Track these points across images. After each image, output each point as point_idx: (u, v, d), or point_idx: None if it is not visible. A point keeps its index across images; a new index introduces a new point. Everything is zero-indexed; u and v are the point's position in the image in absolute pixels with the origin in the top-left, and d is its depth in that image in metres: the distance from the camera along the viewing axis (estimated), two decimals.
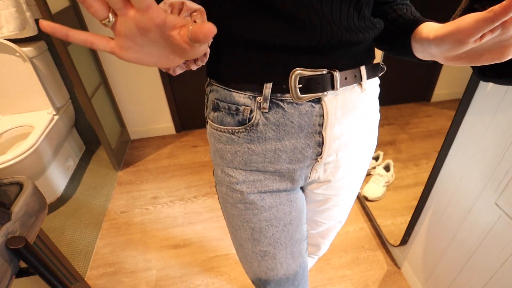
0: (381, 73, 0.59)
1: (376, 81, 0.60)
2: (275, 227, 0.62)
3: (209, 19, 0.42)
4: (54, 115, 1.87)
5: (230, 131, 0.55)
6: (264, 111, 0.52)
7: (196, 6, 0.40)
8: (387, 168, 1.81)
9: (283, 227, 0.63)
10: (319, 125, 0.53)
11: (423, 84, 2.33)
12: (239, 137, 0.55)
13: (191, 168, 2.08)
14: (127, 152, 2.27)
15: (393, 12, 0.54)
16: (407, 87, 2.36)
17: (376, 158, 1.92)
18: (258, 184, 0.58)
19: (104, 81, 2.04)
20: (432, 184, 1.06)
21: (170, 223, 1.71)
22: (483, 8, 0.36)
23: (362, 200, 1.72)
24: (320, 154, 0.57)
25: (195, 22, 0.39)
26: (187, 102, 2.29)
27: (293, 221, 0.64)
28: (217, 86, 0.55)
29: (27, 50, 1.72)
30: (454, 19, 0.42)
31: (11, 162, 1.52)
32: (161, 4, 0.40)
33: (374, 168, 1.83)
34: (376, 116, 0.64)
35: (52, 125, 1.81)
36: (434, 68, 2.24)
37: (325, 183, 0.65)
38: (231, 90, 0.52)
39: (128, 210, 1.80)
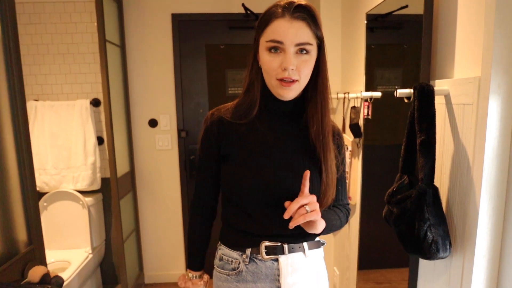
0: (322, 246, 0.96)
1: (319, 250, 0.95)
2: None
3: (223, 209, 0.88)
4: (89, 253, 2.22)
5: (227, 273, 0.90)
6: (246, 263, 0.88)
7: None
8: None
9: None
10: (277, 275, 0.87)
11: None
12: (232, 278, 0.89)
13: None
14: None
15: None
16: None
17: None
18: None
19: (136, 228, 2.47)
20: None
21: None
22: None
23: None
24: None
25: None
26: None
27: None
28: (223, 246, 0.94)
29: (88, 200, 2.24)
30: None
31: None
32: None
33: None
34: (321, 272, 0.95)
35: (85, 263, 2.14)
36: None
37: None
38: (230, 249, 0.91)
39: None
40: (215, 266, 0.96)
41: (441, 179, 0.97)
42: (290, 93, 0.81)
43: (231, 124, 0.88)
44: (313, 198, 0.78)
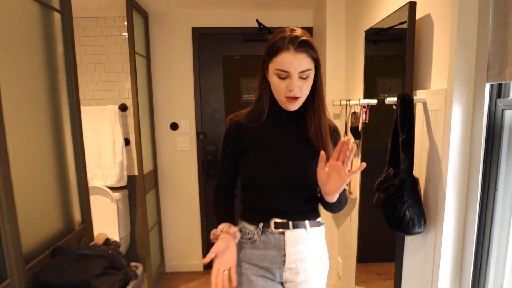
0: (322, 226, 1.15)
1: (319, 229, 1.12)
2: None
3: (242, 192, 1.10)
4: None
5: (244, 242, 1.10)
6: (259, 234, 1.08)
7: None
8: None
9: None
10: (283, 245, 1.06)
11: None
12: (247, 246, 1.09)
13: None
14: (161, 282, 2.70)
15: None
16: None
17: None
18: (254, 271, 1.08)
19: (158, 222, 2.72)
20: None
21: None
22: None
23: None
24: (284, 261, 1.07)
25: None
26: None
27: None
28: (243, 221, 1.13)
29: (116, 195, 2.50)
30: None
31: None
32: None
33: None
34: (321, 246, 1.12)
35: None
36: None
37: (292, 283, 1.10)
38: (248, 223, 1.10)
39: None
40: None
41: (420, 170, 1.19)
42: (295, 107, 1.01)
43: (246, 127, 1.07)
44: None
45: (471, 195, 1.04)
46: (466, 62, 0.99)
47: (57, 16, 1.33)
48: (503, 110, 0.97)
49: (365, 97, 1.68)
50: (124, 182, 2.56)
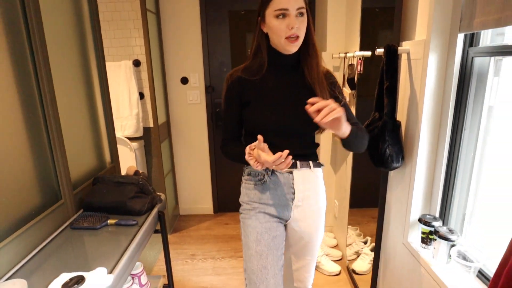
0: (321, 167, 1.20)
1: (320, 169, 1.20)
2: (268, 234, 1.13)
3: (247, 136, 1.18)
4: None
5: (255, 183, 1.16)
6: (269, 175, 1.14)
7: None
8: (372, 249, 2.39)
9: (272, 237, 1.14)
10: (292, 183, 1.14)
11: None
12: (258, 186, 1.16)
13: (222, 238, 2.77)
14: (175, 223, 3.03)
15: None
16: None
17: (365, 242, 2.51)
18: (262, 209, 1.16)
19: (172, 169, 2.98)
20: (379, 246, 1.71)
21: (202, 273, 2.33)
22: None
23: (351, 273, 2.27)
24: (293, 199, 1.15)
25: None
26: (224, 190, 3.13)
27: (277, 238, 1.15)
28: (249, 166, 1.15)
29: (134, 144, 2.74)
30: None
31: None
32: None
33: (362, 248, 2.42)
34: (321, 186, 1.21)
35: None
36: None
37: (298, 221, 1.18)
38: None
39: (173, 261, 2.46)
40: (243, 180, 1.21)
41: (402, 114, 1.36)
42: (294, 48, 1.06)
43: (248, 80, 1.13)
44: (332, 102, 0.89)
45: (442, 134, 1.22)
46: (442, 14, 1.12)
47: None
48: (472, 57, 1.12)
49: (361, 49, 1.81)
50: (140, 133, 2.79)
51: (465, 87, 1.16)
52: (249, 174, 1.20)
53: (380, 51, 1.33)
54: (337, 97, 1.13)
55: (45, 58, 1.14)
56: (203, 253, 2.57)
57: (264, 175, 1.16)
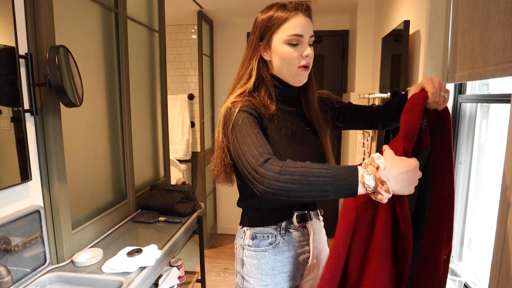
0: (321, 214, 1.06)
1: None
2: None
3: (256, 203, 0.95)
4: None
5: (264, 250, 0.93)
6: (282, 235, 0.94)
7: None
8: None
9: None
10: (307, 240, 0.97)
11: None
12: (269, 253, 0.93)
13: None
14: (213, 240, 3.33)
15: (384, 110, 1.01)
16: None
17: None
18: (276, 285, 0.95)
19: (214, 190, 3.34)
20: None
21: (233, 285, 2.57)
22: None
23: None
24: (308, 258, 0.98)
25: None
26: None
27: None
28: (255, 227, 0.94)
29: (182, 166, 3.16)
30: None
31: None
32: None
33: None
34: (324, 234, 1.08)
35: None
36: None
37: (309, 280, 1.02)
38: (264, 227, 0.94)
39: (207, 272, 2.74)
40: (245, 248, 0.96)
41: None
42: (305, 79, 0.92)
43: (261, 113, 0.90)
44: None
45: None
46: (434, 68, 1.36)
47: (156, 35, 1.95)
48: (460, 103, 1.33)
49: (380, 91, 2.06)
50: (189, 156, 3.21)
51: (457, 128, 1.36)
52: (253, 238, 0.96)
53: (386, 95, 1.59)
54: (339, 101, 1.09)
55: (128, 94, 1.57)
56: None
57: (275, 236, 0.95)
